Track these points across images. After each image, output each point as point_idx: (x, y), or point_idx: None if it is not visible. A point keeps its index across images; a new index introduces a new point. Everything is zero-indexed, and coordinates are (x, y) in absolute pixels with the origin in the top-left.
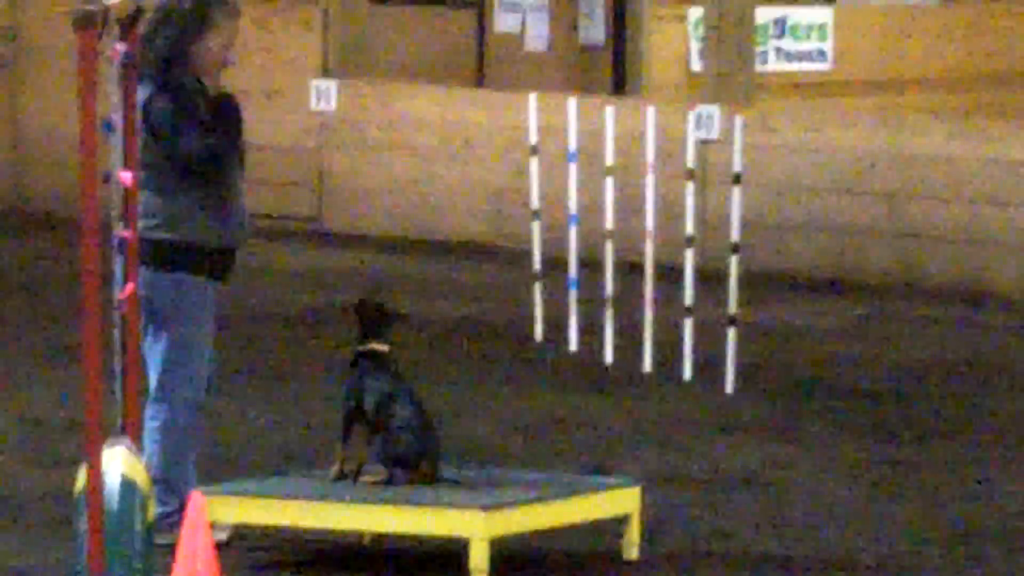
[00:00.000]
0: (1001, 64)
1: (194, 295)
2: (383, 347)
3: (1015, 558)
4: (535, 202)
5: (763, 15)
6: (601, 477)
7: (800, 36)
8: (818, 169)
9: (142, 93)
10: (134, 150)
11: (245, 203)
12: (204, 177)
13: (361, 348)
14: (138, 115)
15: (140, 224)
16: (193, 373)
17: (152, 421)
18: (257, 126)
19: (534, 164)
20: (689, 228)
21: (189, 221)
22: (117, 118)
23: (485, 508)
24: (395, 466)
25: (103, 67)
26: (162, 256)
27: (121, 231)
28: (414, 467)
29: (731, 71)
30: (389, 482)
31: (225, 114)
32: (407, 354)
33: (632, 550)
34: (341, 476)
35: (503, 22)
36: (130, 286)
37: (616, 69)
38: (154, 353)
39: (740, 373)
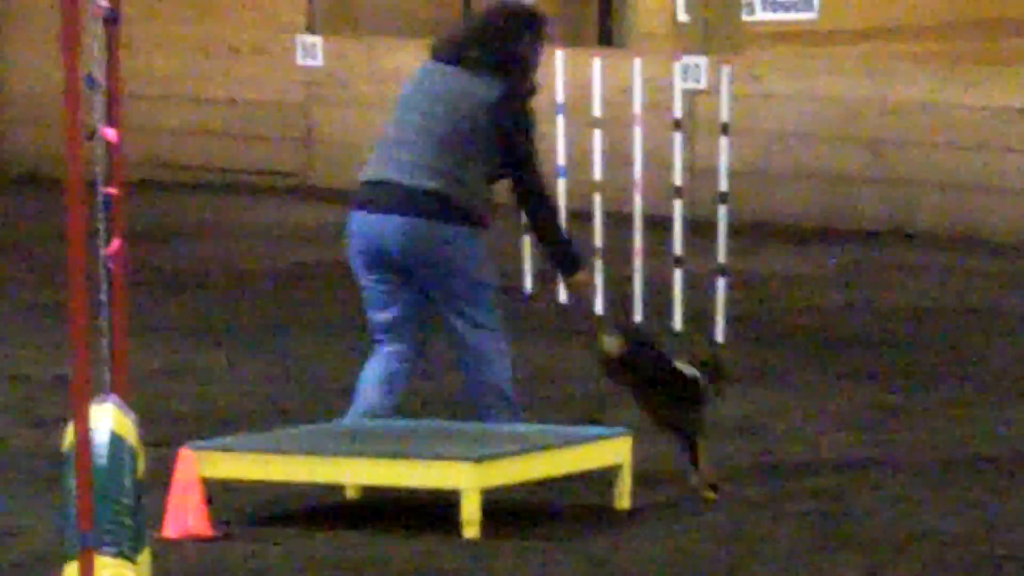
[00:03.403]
0: (988, 11)
1: (482, 244)
2: None
3: (1004, 498)
4: None
5: None
6: (592, 427)
7: None
8: (806, 118)
9: (485, 88)
10: (118, 108)
11: None
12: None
13: None
14: (456, 105)
15: (434, 182)
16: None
17: (491, 353)
18: (244, 82)
19: None
20: (677, 179)
21: (474, 190)
22: (99, 75)
23: (476, 459)
24: None
25: (86, 23)
26: (459, 213)
27: (107, 188)
28: None
29: (718, 21)
30: None
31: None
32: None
33: (624, 500)
34: None
35: None
36: (116, 242)
37: (603, 20)
38: (450, 299)
39: (731, 323)
